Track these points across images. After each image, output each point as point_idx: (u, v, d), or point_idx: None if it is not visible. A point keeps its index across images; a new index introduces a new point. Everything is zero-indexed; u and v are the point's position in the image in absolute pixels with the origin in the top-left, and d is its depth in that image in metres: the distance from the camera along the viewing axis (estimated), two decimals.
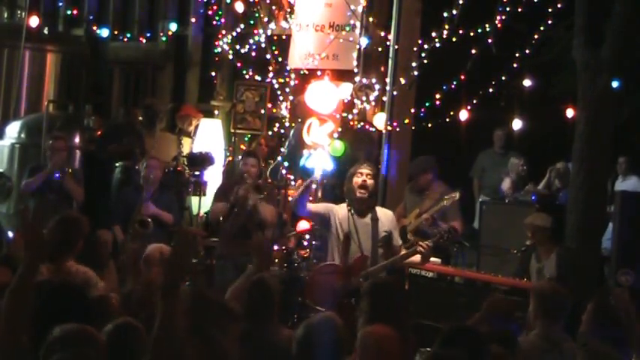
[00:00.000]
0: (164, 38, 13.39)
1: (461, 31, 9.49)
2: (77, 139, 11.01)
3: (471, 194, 11.25)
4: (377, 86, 9.92)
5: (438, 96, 9.68)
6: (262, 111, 11.58)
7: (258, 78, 11.18)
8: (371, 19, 9.87)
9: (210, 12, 11.67)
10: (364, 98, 9.93)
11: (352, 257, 6.98)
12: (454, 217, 8.53)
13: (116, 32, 13.26)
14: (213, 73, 12.41)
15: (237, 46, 11.11)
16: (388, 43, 9.57)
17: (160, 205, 9.04)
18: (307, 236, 8.91)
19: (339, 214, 7.17)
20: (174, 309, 3.52)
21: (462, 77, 9.53)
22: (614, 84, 7.55)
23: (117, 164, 10.78)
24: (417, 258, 7.12)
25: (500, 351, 4.45)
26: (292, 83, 10.51)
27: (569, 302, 5.64)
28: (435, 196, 8.53)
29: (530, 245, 8.31)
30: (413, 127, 10.01)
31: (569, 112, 9.97)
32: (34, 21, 11.32)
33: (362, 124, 10.18)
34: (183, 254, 3.57)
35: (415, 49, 9.72)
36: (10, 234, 9.75)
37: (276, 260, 8.90)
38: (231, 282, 5.69)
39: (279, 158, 10.15)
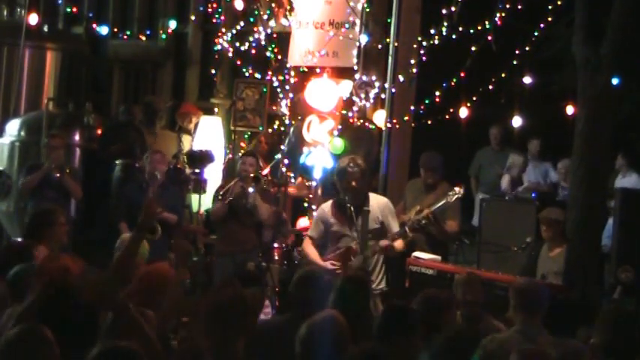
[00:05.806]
0: (164, 36, 13.38)
1: (460, 29, 9.49)
2: (77, 137, 11.01)
3: (469, 192, 11.21)
4: (377, 83, 9.92)
5: (437, 93, 9.68)
6: (262, 109, 11.56)
7: (257, 75, 11.17)
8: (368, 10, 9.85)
9: (209, 9, 11.66)
10: (364, 96, 9.92)
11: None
12: (453, 216, 8.48)
13: (116, 30, 13.24)
14: (213, 71, 12.39)
15: (237, 44, 11.10)
16: (388, 40, 9.57)
17: (164, 204, 8.88)
18: None
19: (329, 213, 7.37)
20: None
21: (462, 74, 9.52)
22: (614, 81, 7.52)
23: (117, 162, 10.78)
24: None
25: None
26: (292, 81, 10.50)
27: (546, 297, 5.70)
28: (438, 193, 8.48)
29: (531, 242, 8.29)
30: (413, 125, 10.00)
31: (570, 110, 9.96)
32: (33, 19, 11.30)
33: (362, 121, 10.17)
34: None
35: (415, 46, 9.72)
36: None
37: (277, 258, 8.92)
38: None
39: (279, 156, 10.14)
